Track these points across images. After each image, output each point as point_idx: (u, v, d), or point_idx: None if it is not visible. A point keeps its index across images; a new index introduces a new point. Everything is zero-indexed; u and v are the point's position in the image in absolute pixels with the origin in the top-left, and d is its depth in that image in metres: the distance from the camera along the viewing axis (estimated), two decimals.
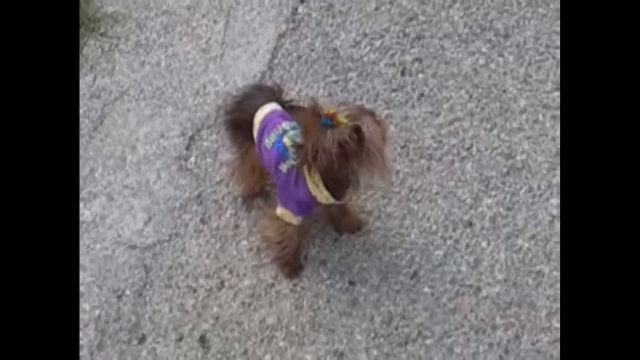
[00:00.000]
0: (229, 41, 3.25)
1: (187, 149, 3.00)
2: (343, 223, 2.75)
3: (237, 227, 2.82)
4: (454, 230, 2.76)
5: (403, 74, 3.11)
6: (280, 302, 2.68)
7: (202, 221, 2.85)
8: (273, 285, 2.71)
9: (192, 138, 3.03)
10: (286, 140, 2.43)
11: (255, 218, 2.83)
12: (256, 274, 2.73)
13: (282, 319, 2.65)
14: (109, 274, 2.78)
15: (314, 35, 3.22)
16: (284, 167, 2.44)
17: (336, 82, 3.12)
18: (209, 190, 2.91)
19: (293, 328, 2.63)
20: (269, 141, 2.48)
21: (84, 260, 2.80)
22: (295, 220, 2.52)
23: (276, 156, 2.45)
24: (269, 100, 2.58)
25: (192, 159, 2.98)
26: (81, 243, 2.83)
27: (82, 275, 2.78)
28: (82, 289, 2.76)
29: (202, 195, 2.90)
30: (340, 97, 3.04)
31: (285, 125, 2.48)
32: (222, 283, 2.73)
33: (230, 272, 2.74)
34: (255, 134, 2.55)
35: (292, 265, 2.70)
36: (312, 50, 3.20)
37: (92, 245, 2.83)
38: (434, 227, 2.77)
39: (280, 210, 2.53)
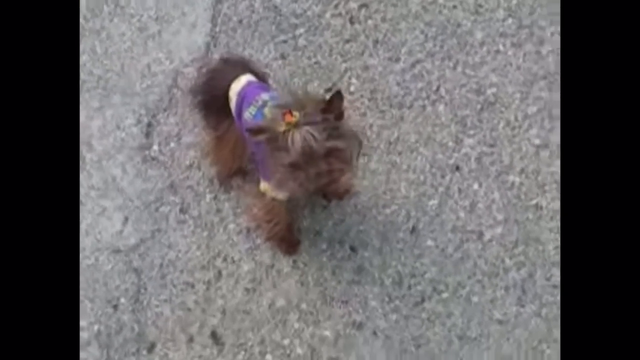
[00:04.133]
0: (163, 15, 3.07)
1: (147, 136, 2.84)
2: (329, 189, 2.65)
3: (219, 210, 2.70)
4: (442, 176, 2.71)
5: (352, 22, 3.00)
6: (284, 281, 2.59)
7: (182, 210, 2.72)
8: (273, 265, 2.62)
9: (149, 124, 2.87)
10: (267, 112, 2.30)
11: (236, 198, 2.72)
12: (252, 257, 2.63)
13: (290, 299, 2.56)
14: (97, 284, 2.63)
15: None
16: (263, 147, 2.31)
17: (285, 42, 2.99)
18: (181, 177, 2.77)
19: (304, 306, 2.55)
20: (248, 114, 2.36)
21: None
22: (280, 194, 2.41)
23: None
24: (241, 72, 2.47)
25: (155, 147, 2.82)
26: None
27: None
28: None
29: (175, 183, 2.76)
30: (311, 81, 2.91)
31: (265, 96, 2.37)
32: (219, 272, 2.61)
33: (225, 259, 2.63)
34: (233, 108, 2.43)
35: (288, 241, 2.61)
36: (252, 12, 3.05)
37: None
38: (422, 177, 2.70)
39: (263, 185, 2.43)
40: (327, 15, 3.03)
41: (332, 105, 2.15)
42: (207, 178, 2.76)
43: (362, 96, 2.85)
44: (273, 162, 2.19)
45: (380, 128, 2.79)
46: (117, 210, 2.73)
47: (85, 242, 2.69)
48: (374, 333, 2.50)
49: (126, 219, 2.71)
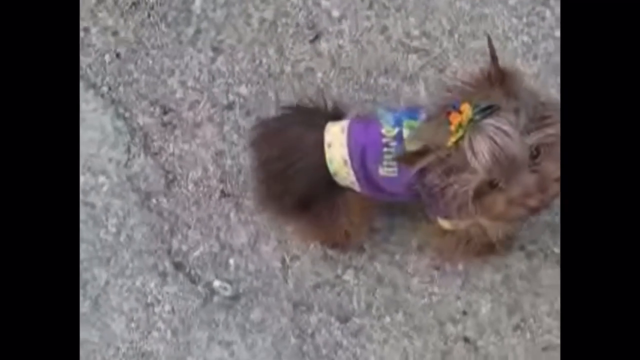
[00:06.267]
0: None
1: (193, 281, 1.92)
2: None
3: (380, 279, 1.87)
4: None
5: None
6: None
7: (341, 319, 1.86)
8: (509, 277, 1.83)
9: (177, 266, 1.92)
10: (409, 137, 1.51)
11: (378, 258, 1.87)
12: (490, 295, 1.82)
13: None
14: None
15: None
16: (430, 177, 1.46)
17: (199, 31, 2.10)
18: (291, 287, 1.88)
19: None
20: (385, 170, 1.56)
21: None
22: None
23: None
24: (317, 127, 1.63)
25: (217, 283, 1.92)
26: None
27: None
28: None
29: (293, 297, 1.88)
30: None
31: (386, 130, 1.55)
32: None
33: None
34: (352, 176, 1.60)
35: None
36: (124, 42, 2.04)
37: None
38: None
39: (444, 223, 1.65)
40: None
41: (502, 72, 1.36)
42: (319, 259, 1.87)
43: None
44: (449, 195, 1.41)
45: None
46: None
47: None
48: None
49: None
